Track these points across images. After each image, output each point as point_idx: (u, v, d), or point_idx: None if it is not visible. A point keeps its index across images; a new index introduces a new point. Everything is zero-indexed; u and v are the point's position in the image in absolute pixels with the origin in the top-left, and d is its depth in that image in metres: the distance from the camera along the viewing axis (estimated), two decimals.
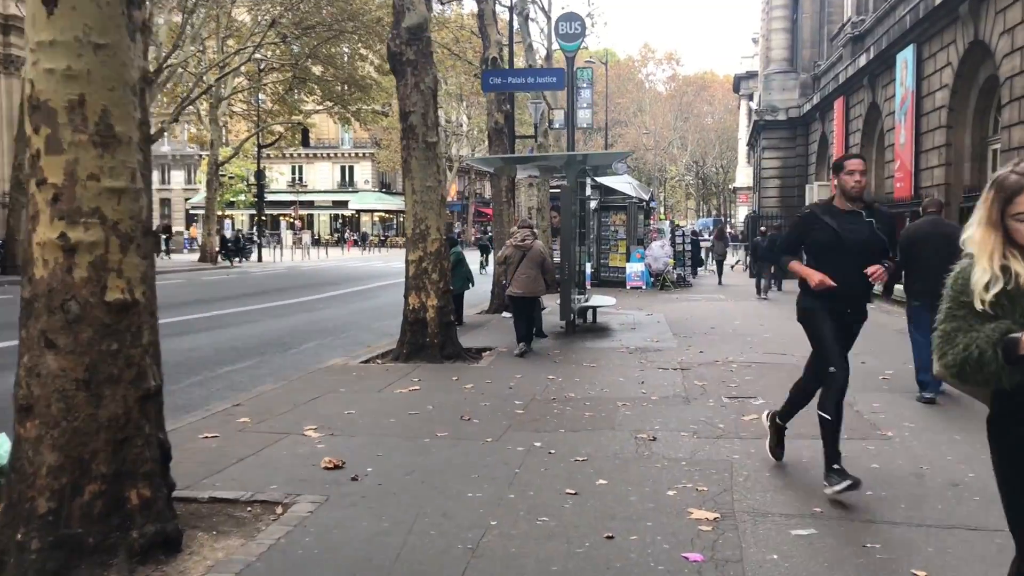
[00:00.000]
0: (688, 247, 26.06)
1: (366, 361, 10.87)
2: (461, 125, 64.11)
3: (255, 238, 48.23)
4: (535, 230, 13.10)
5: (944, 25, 15.17)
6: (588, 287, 17.55)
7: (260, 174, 46.15)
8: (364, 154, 73.75)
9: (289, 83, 39.76)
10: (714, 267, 27.61)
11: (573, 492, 5.15)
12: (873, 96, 20.82)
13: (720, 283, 26.28)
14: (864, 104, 21.70)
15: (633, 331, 13.74)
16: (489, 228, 56.33)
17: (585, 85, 15.17)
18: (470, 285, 15.34)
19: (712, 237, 29.71)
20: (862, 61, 20.88)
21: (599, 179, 25.31)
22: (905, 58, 17.42)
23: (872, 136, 21.90)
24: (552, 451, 6.15)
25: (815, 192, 26.89)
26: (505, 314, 15.02)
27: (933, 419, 7.08)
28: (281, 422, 7.28)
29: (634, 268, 23.85)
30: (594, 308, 14.70)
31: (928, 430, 6.64)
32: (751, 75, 67.45)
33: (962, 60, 14.53)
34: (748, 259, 27.84)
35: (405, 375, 9.69)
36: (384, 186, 75.21)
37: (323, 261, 44.96)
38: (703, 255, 28.90)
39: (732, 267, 29.70)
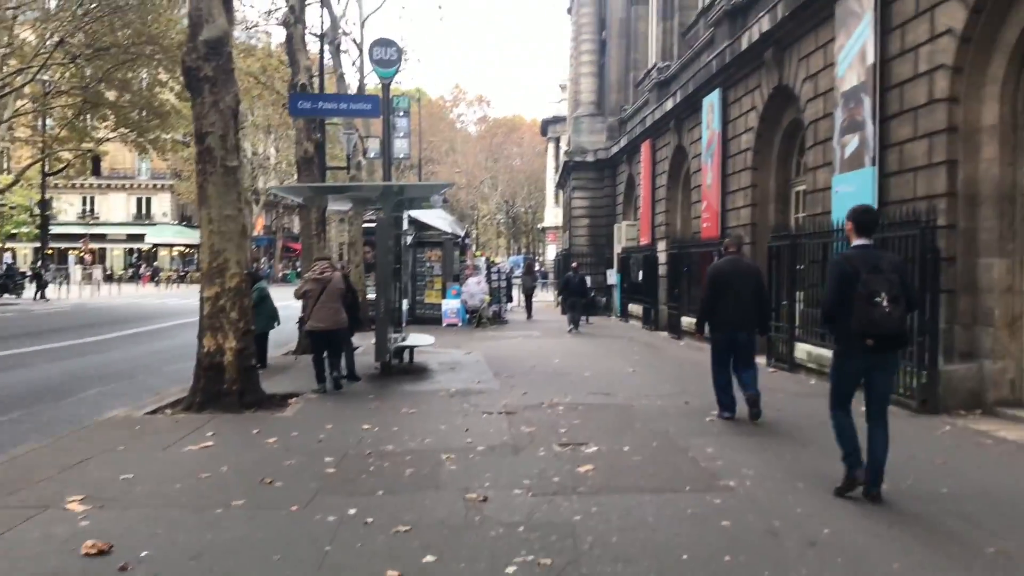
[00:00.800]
0: (504, 284, 25.83)
1: (153, 412, 9.56)
2: (269, 157, 61.82)
3: (33, 272, 43.86)
4: (334, 263, 12.29)
5: (750, 70, 15.70)
6: (404, 325, 16.77)
7: (45, 204, 42.22)
8: (163, 185, 69.62)
9: (79, 108, 36.59)
10: (523, 302, 27.98)
11: (397, 575, 4.34)
12: (679, 139, 21.43)
13: (530, 317, 26.50)
14: (671, 146, 22.32)
15: (453, 372, 13.06)
16: (298, 263, 54.22)
17: (402, 114, 14.46)
18: (275, 324, 14.16)
19: (521, 272, 29.93)
20: (669, 105, 21.48)
21: (414, 213, 24.67)
22: (711, 101, 17.96)
23: (678, 177, 22.53)
24: (369, 519, 5.31)
25: (623, 231, 27.46)
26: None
27: (770, 464, 6.79)
28: (38, 492, 6.03)
29: (450, 305, 23.28)
30: (412, 348, 13.91)
31: (769, 477, 6.31)
32: (558, 119, 69.39)
33: (767, 104, 15.04)
34: (559, 295, 28.24)
35: (197, 428, 8.51)
36: (185, 219, 71.14)
37: (115, 298, 41.42)
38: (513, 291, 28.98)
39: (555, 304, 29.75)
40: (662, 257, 22.30)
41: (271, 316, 13.98)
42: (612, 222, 30.44)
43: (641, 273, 23.41)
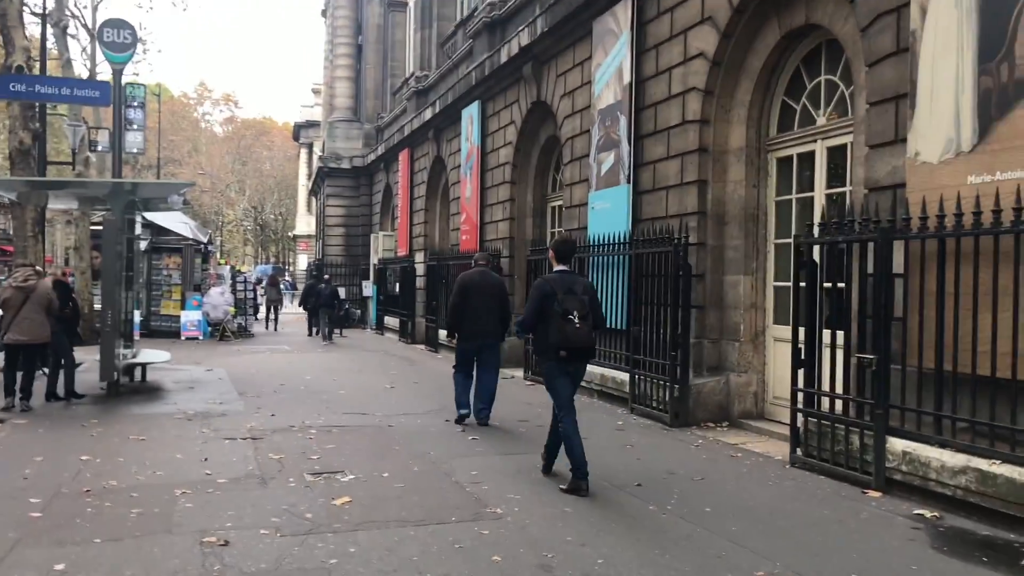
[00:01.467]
0: (251, 294, 24.36)
1: None
2: None
3: None
4: (39, 269, 10.90)
5: (509, 84, 15.73)
6: (137, 339, 15.21)
7: None
8: None
9: None
10: (266, 315, 26.76)
11: None
12: (439, 150, 21.23)
13: (275, 330, 25.69)
14: (429, 157, 22.08)
15: (191, 391, 11.88)
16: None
17: (136, 104, 12.96)
18: None
19: (266, 284, 28.53)
20: (427, 115, 21.22)
21: (151, 216, 22.69)
22: (471, 114, 17.89)
23: (437, 188, 22.33)
24: None
25: (380, 241, 26.90)
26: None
27: (535, 488, 6.53)
28: None
29: (190, 317, 21.59)
30: (144, 365, 12.54)
31: (537, 503, 6.03)
32: (312, 124, 67.77)
33: (525, 119, 15.12)
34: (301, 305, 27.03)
35: None
36: None
37: None
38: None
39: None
40: (420, 269, 21.98)
41: None
42: (369, 232, 29.79)
43: (398, 285, 22.95)
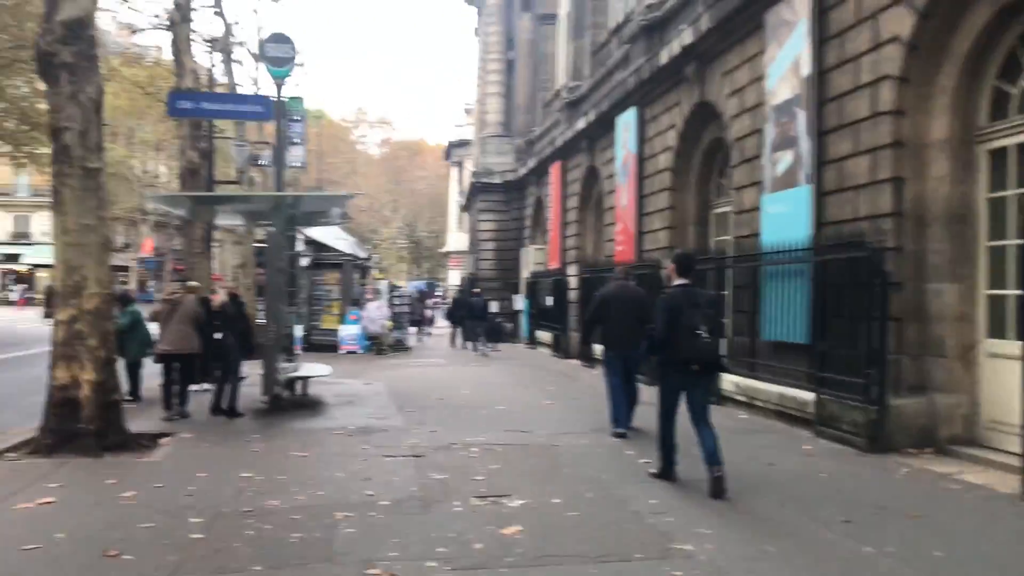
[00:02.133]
0: (407, 309, 24.50)
1: None
2: (158, 176, 58.90)
3: None
4: (191, 284, 11.16)
5: (669, 87, 15.03)
6: (297, 352, 15.41)
7: None
8: (45, 204, 65.35)
9: None
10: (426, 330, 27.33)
11: None
12: (592, 159, 20.71)
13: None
14: (582, 168, 21.60)
15: (351, 405, 11.76)
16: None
17: (297, 118, 13.09)
18: (149, 351, 12.59)
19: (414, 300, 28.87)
20: (580, 124, 20.73)
21: (312, 233, 23.25)
22: (627, 120, 17.27)
23: (590, 199, 21.80)
24: None
25: (531, 255, 26.60)
26: (206, 385, 12.48)
27: (726, 520, 5.81)
28: None
29: (348, 331, 21.88)
30: (305, 379, 12.55)
31: (731, 540, 5.32)
32: (463, 143, 68.59)
33: (687, 122, 14.36)
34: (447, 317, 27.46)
35: (41, 478, 7.05)
36: None
37: None
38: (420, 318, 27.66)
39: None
40: (573, 282, 21.46)
41: (144, 342, 12.43)
42: (519, 246, 29.57)
43: (550, 298, 22.52)
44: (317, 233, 23.67)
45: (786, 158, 10.59)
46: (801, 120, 10.20)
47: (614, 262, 17.80)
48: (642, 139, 16.72)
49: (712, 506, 6.15)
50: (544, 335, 23.32)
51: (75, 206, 8.36)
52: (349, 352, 21.47)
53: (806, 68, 10.07)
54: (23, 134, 34.16)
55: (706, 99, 13.54)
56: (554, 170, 24.15)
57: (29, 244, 64.78)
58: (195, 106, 12.14)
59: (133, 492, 6.51)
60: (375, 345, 21.94)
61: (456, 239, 70.33)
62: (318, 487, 6.77)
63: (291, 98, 13.78)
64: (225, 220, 14.73)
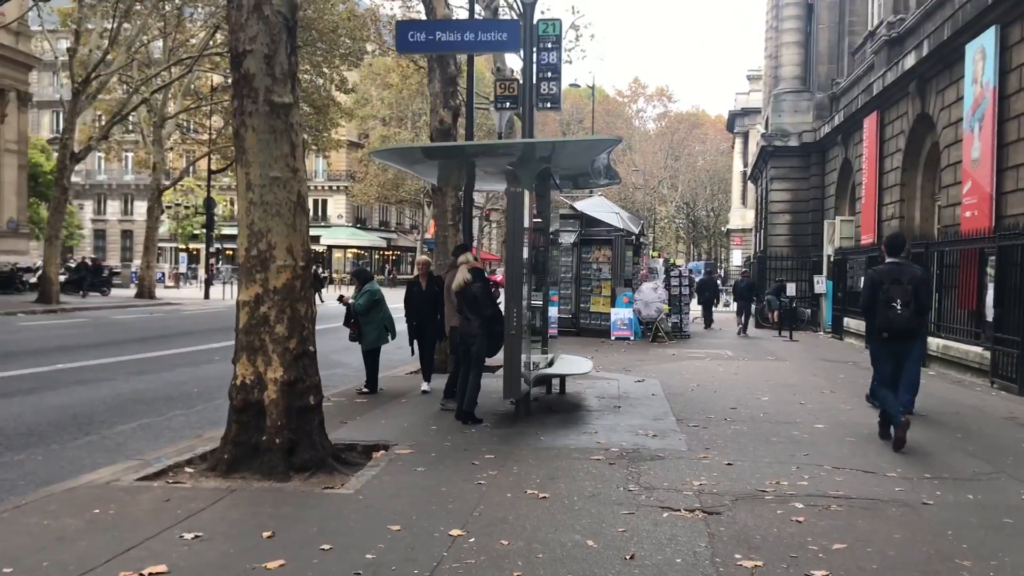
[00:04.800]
0: (686, 290, 21.50)
1: (160, 472, 6.34)
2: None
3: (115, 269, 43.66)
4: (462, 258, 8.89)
5: None
6: (554, 335, 13.15)
7: (209, 202, 41.63)
8: (338, 187, 69.56)
9: None
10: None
11: None
12: (923, 105, 16.56)
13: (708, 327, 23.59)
14: (908, 117, 17.45)
15: (616, 412, 9.21)
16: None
17: (551, 45, 10.66)
18: (389, 338, 10.85)
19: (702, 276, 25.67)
20: (909, 61, 16.62)
21: (580, 206, 21.00)
22: (980, 46, 13.19)
23: (919, 155, 17.60)
24: None
25: (836, 228, 22.58)
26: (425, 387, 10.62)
27: None
28: None
29: (620, 315, 19.41)
30: (562, 377, 10.20)
31: None
32: (747, 111, 63.94)
33: None
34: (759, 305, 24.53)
35: (187, 516, 5.16)
36: (359, 221, 70.98)
37: None
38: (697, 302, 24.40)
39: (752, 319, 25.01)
40: None
41: (384, 326, 10.68)
42: (820, 218, 25.51)
43: (863, 279, 18.59)
44: (586, 206, 21.40)
45: None
46: None
47: (960, 232, 13.83)
48: (1004, 70, 12.64)
49: None
50: (853, 323, 19.38)
51: (260, 153, 6.44)
52: (620, 339, 19.01)
53: None
54: (307, 117, 35.15)
55: None
56: (868, 123, 20.04)
57: (327, 227, 68.96)
58: (428, 38, 10.07)
59: (283, 561, 4.36)
60: (650, 331, 19.30)
61: (739, 216, 65.83)
62: (556, 563, 4.27)
63: (543, 22, 11.32)
64: (484, 185, 12.69)
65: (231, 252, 68.13)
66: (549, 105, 11.21)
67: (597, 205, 21.92)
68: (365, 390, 10.58)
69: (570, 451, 7.18)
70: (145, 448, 7.60)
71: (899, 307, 7.40)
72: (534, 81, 10.73)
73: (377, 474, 6.34)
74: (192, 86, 37.18)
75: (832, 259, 22.34)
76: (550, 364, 9.99)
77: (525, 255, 8.67)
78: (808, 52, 27.68)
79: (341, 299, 11.01)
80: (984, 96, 13.13)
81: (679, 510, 5.36)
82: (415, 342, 10.62)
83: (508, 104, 11.93)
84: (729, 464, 6.68)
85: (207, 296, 39.08)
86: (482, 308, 8.44)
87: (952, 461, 6.96)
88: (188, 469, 6.56)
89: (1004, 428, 8.69)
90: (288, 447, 6.38)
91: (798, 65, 27.83)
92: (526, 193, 8.14)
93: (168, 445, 7.61)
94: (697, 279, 25.51)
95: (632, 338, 19.13)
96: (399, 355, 13.67)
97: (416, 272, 11.18)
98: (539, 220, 9.90)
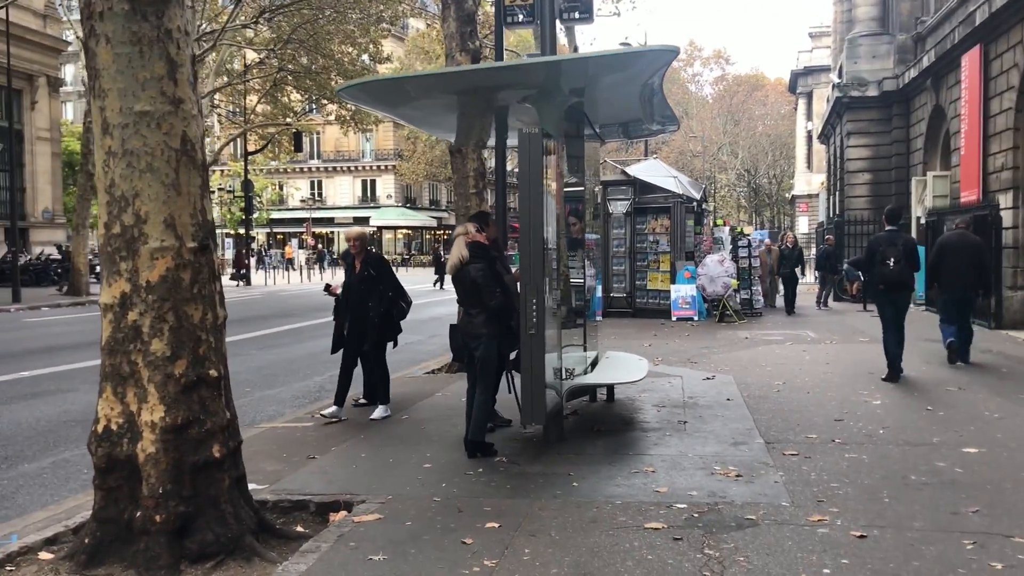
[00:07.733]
0: (755, 262, 18.78)
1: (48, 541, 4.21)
2: None
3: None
4: (470, 227, 6.43)
5: None
6: (599, 319, 10.80)
7: (247, 184, 39.93)
8: (387, 167, 67.79)
9: (275, 77, 33.25)
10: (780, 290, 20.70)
11: None
12: None
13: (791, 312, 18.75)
14: (1021, 48, 14.59)
15: (680, 433, 6.79)
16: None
17: None
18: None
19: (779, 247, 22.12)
20: None
21: (633, 171, 18.52)
22: None
23: None
24: None
25: (929, 185, 19.68)
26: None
27: None
28: None
29: (682, 292, 16.93)
30: (610, 387, 7.83)
31: None
32: (810, 71, 60.34)
33: None
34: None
35: None
36: (409, 201, 69.15)
37: (321, 284, 38.27)
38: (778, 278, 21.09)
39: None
40: (1007, 218, 14.72)
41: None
42: (906, 176, 22.53)
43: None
44: (639, 170, 18.88)
45: None
46: None
47: None
48: None
49: None
50: None
51: (119, 76, 4.18)
52: (683, 319, 16.54)
53: None
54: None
55: None
56: (969, 61, 17.07)
57: (376, 207, 67.17)
58: None
59: None
60: (717, 310, 16.78)
61: (805, 180, 62.32)
62: None
63: None
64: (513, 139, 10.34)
65: (282, 236, 67.07)
66: (577, 15, 8.75)
67: (652, 168, 19.41)
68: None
69: (615, 510, 4.82)
70: (36, 502, 5.53)
71: (892, 264, 9.02)
72: None
73: (313, 567, 4.08)
74: (227, 67, 35.46)
75: (924, 222, 19.47)
76: (593, 365, 7.64)
77: (552, 223, 6.37)
78: None
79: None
80: None
81: None
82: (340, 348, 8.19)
83: (521, 17, 9.41)
84: (862, 537, 4.26)
85: (248, 283, 37.43)
86: (485, 297, 6.11)
87: None
88: (43, 555, 4.41)
89: None
90: (178, 525, 4.16)
91: (875, 5, 24.69)
92: (539, 132, 5.71)
93: (69, 496, 5.54)
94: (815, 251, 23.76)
95: (696, 318, 16.64)
96: (430, 345, 11.47)
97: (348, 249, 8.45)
98: (574, 183, 7.63)
